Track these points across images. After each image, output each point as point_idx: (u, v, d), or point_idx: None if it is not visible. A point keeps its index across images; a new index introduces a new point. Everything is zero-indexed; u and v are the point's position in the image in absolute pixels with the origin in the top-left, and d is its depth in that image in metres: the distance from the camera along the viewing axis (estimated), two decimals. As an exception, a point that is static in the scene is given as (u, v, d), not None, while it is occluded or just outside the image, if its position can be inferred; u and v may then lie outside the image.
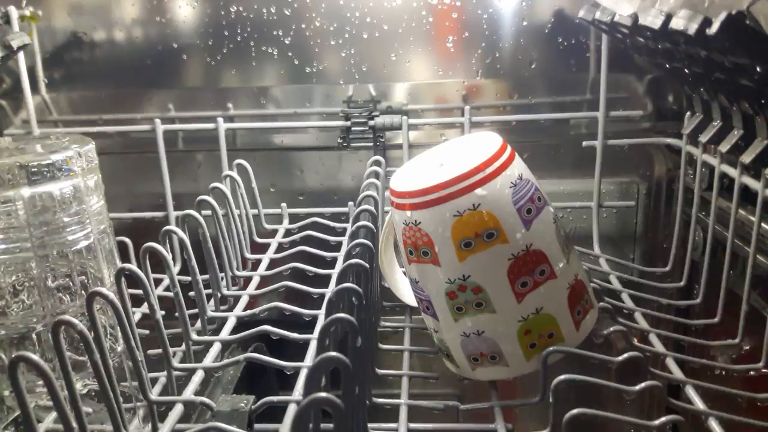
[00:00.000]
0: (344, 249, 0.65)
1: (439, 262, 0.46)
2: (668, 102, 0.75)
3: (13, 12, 0.71)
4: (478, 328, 0.46)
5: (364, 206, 0.52)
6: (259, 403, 0.44)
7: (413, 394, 0.50)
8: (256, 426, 0.44)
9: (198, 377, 0.49)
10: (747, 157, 0.52)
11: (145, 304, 0.51)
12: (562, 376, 0.41)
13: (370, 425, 0.44)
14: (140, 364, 0.45)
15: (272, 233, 0.74)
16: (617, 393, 0.43)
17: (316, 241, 0.70)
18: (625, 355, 0.44)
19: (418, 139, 0.78)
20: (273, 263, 0.67)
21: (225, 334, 0.55)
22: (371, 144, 0.78)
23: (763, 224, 0.53)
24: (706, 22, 0.40)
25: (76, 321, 0.38)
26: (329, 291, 0.60)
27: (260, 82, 0.78)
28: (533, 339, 0.46)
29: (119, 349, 0.53)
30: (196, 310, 0.55)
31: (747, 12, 0.37)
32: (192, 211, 0.55)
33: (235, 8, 0.75)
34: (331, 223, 0.74)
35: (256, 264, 0.68)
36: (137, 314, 0.61)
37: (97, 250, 0.52)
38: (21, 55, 0.72)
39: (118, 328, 0.43)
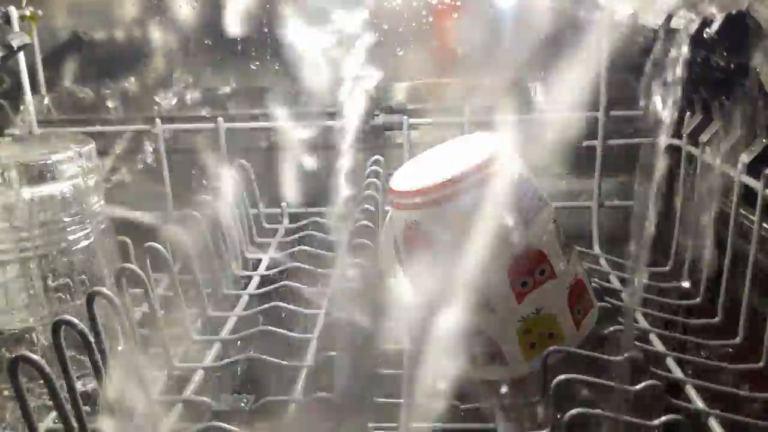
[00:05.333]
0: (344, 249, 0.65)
1: (439, 262, 0.46)
2: (668, 102, 0.75)
3: (13, 12, 0.71)
4: (478, 327, 0.46)
5: (364, 206, 0.52)
6: (259, 402, 0.44)
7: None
8: (256, 426, 0.44)
9: (198, 377, 0.49)
10: (747, 157, 0.52)
11: (146, 304, 0.51)
12: (562, 376, 0.41)
13: (370, 425, 0.44)
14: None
15: (272, 233, 0.74)
16: (617, 393, 0.43)
17: (316, 240, 0.70)
18: (625, 355, 0.44)
19: (418, 139, 0.78)
20: (273, 263, 0.67)
21: (225, 334, 0.55)
22: (371, 144, 0.78)
23: (763, 224, 0.53)
24: (706, 22, 0.40)
25: (76, 321, 0.38)
26: (329, 291, 0.60)
27: (260, 82, 0.78)
28: (533, 339, 0.46)
29: (119, 349, 0.53)
30: (196, 310, 0.55)
31: (747, 12, 0.37)
32: (192, 211, 0.55)
33: (235, 8, 0.75)
34: (331, 224, 0.74)
35: (256, 264, 0.68)
36: (137, 314, 0.61)
37: (97, 250, 0.52)
38: (21, 55, 0.72)
39: (119, 327, 0.43)
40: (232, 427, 0.41)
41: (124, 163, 0.79)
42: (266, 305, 0.57)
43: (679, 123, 0.67)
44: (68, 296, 0.50)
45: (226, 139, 0.76)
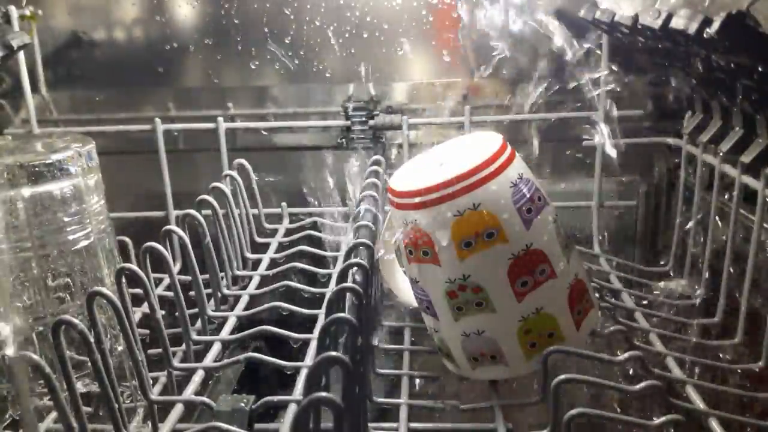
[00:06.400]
0: (344, 249, 0.65)
1: (439, 262, 0.46)
2: (668, 102, 0.75)
3: (13, 12, 0.71)
4: (479, 327, 0.46)
5: (364, 206, 0.52)
6: (259, 402, 0.44)
7: (413, 394, 0.50)
8: (256, 426, 0.44)
9: (198, 377, 0.49)
10: (747, 157, 0.52)
11: (145, 304, 0.51)
12: (562, 376, 0.41)
13: (370, 425, 0.44)
14: (140, 364, 0.45)
15: (272, 233, 0.74)
16: (617, 392, 0.43)
17: (316, 240, 0.70)
18: (626, 355, 0.44)
19: (418, 138, 0.78)
20: (273, 263, 0.67)
21: (225, 334, 0.55)
22: (371, 144, 0.78)
23: (763, 224, 0.53)
24: (706, 22, 0.40)
25: (76, 321, 0.38)
26: (329, 291, 0.60)
27: (260, 82, 0.78)
28: (533, 339, 0.46)
29: (119, 349, 0.53)
30: (196, 310, 0.55)
31: (747, 12, 0.37)
32: (192, 211, 0.55)
33: (235, 8, 0.75)
34: (332, 223, 0.74)
35: (256, 264, 0.68)
36: (137, 314, 0.61)
37: (97, 250, 0.52)
38: (21, 55, 0.72)
39: (119, 327, 0.43)
40: (232, 427, 0.41)
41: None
42: (266, 305, 0.57)
43: (679, 123, 0.67)
44: (68, 296, 0.50)
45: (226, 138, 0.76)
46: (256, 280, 0.64)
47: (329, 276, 0.63)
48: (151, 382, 0.46)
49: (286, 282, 0.61)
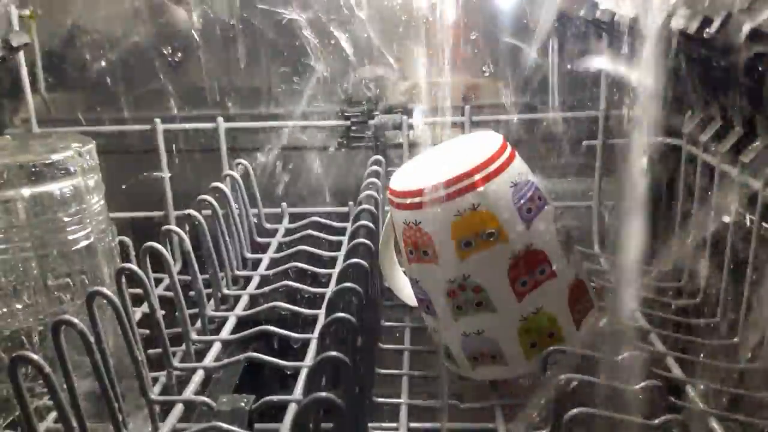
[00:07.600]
0: (344, 249, 0.65)
1: (439, 262, 0.46)
2: (668, 101, 0.75)
3: (13, 11, 0.71)
4: (479, 327, 0.46)
5: (364, 206, 0.52)
6: (259, 402, 0.44)
7: (413, 394, 0.50)
8: (256, 426, 0.44)
9: (198, 377, 0.49)
10: (747, 157, 0.52)
11: (145, 304, 0.51)
12: (562, 376, 0.41)
13: (370, 425, 0.44)
14: (140, 364, 0.45)
15: (272, 233, 0.74)
16: (617, 393, 0.43)
17: (316, 240, 0.70)
18: (625, 355, 0.44)
19: (418, 138, 0.78)
20: (273, 263, 0.67)
21: (225, 333, 0.55)
22: (371, 144, 0.78)
23: (763, 223, 0.53)
24: (706, 22, 0.40)
25: (76, 321, 0.38)
26: (329, 291, 0.60)
27: (260, 82, 0.78)
28: (533, 338, 0.46)
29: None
30: (196, 310, 0.55)
31: (747, 11, 0.37)
32: (192, 211, 0.55)
33: (236, 7, 0.75)
34: (331, 223, 0.74)
35: (256, 263, 0.68)
36: (137, 314, 0.61)
37: (97, 249, 0.52)
38: (21, 55, 0.72)
39: (119, 327, 0.43)
40: (232, 427, 0.41)
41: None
42: (266, 305, 0.57)
43: (679, 123, 0.67)
44: (68, 296, 0.50)
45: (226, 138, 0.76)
46: (256, 280, 0.64)
47: (329, 276, 0.63)
48: (151, 382, 0.46)
49: (285, 282, 0.61)
